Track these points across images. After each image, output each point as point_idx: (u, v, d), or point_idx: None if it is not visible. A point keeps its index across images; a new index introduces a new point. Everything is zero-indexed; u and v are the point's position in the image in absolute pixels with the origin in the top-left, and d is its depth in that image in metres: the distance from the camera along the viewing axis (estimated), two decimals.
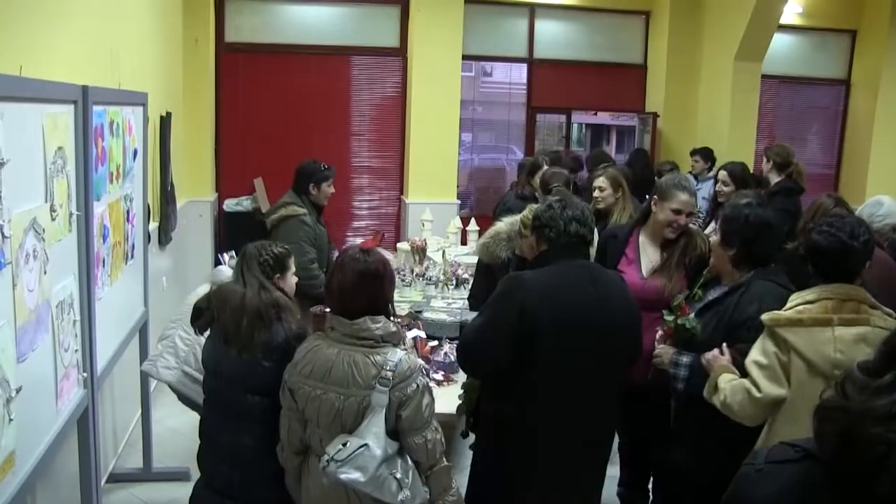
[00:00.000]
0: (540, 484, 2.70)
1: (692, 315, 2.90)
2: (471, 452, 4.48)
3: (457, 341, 3.88)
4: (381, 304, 2.50)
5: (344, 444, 2.32)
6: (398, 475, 2.35)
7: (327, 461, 2.31)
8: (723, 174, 5.22)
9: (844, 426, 1.19)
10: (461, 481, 4.22)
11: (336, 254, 4.35)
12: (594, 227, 2.84)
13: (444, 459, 2.52)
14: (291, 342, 2.62)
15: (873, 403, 1.16)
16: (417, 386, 2.41)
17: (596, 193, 4.45)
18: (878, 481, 1.13)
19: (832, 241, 2.51)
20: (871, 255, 2.60)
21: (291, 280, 2.89)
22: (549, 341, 2.54)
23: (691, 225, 3.55)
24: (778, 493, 1.29)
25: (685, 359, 2.82)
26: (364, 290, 2.45)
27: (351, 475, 2.29)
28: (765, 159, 5.56)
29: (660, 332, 2.99)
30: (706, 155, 7.47)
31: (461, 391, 3.11)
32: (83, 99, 2.73)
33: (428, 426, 2.45)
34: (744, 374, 2.55)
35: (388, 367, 2.36)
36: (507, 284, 2.64)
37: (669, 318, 2.93)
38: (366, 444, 2.30)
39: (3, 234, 2.04)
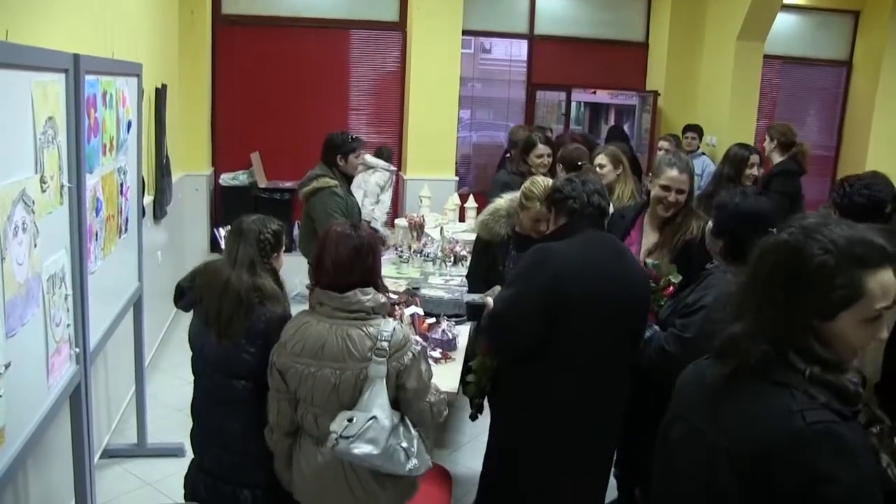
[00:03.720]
0: (561, 456, 2.75)
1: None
2: (468, 429, 4.51)
3: (455, 318, 3.88)
4: (373, 278, 2.49)
5: (350, 420, 2.30)
6: (404, 445, 2.36)
7: (336, 439, 2.28)
8: (756, 158, 4.91)
9: None
10: (460, 458, 4.25)
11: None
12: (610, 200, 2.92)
13: (441, 397, 2.58)
14: (273, 326, 2.58)
15: None
16: (413, 354, 2.42)
17: (596, 171, 4.41)
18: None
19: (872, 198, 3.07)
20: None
21: (283, 258, 2.85)
22: (577, 311, 2.60)
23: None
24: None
25: (647, 333, 2.82)
26: (358, 265, 2.43)
27: (364, 449, 2.27)
28: (768, 138, 5.48)
29: None
30: (701, 131, 7.45)
31: (471, 375, 3.09)
32: (75, 68, 2.65)
33: (429, 390, 2.49)
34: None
35: (382, 338, 2.36)
36: (538, 255, 2.68)
37: (653, 287, 2.97)
38: (374, 417, 2.30)
39: None
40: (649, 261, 3.08)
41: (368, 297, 2.41)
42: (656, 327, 2.82)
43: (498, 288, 3.06)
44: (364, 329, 2.38)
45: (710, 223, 2.88)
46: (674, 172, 3.31)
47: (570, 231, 2.74)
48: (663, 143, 6.88)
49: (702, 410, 1.59)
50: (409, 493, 2.57)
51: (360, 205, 5.29)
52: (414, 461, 2.37)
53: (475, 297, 3.18)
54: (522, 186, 3.46)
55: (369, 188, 6.68)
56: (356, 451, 2.27)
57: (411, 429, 2.41)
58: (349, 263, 2.42)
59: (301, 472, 2.49)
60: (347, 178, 4.83)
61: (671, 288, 2.96)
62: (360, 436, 2.27)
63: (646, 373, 2.77)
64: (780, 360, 1.45)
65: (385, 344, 2.35)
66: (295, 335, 2.43)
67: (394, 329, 2.40)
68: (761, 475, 1.42)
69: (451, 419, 4.67)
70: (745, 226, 2.59)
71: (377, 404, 2.32)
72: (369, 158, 6.53)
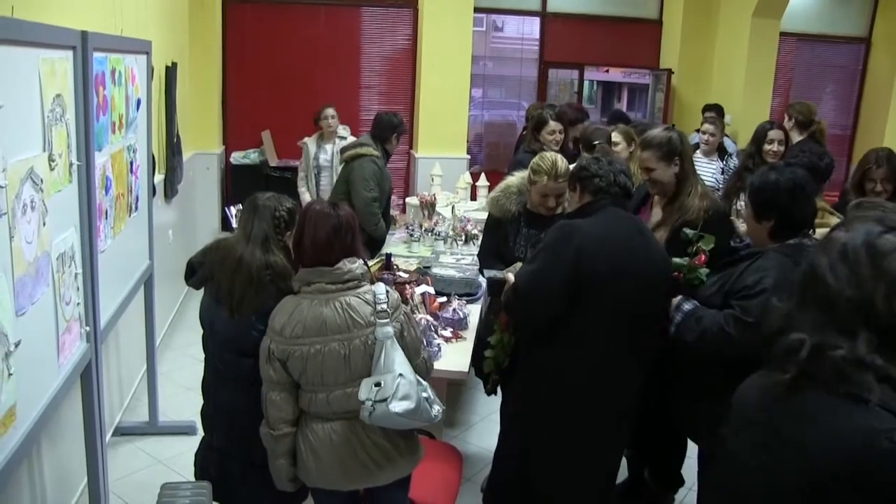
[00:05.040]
0: (574, 438, 2.75)
1: (704, 268, 2.82)
2: (479, 409, 4.52)
3: (466, 297, 3.86)
4: (353, 254, 2.51)
5: (377, 384, 2.33)
6: (425, 395, 2.42)
7: (372, 405, 2.31)
8: (777, 133, 4.75)
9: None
10: (471, 437, 4.25)
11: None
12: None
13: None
14: None
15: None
16: (405, 313, 2.52)
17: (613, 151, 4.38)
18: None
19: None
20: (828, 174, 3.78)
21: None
22: (600, 288, 2.61)
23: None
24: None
25: (686, 306, 2.75)
26: (337, 244, 2.45)
27: (402, 405, 2.32)
28: (786, 117, 5.41)
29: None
30: (721, 111, 7.29)
31: (489, 350, 3.08)
32: (82, 45, 2.63)
33: (422, 346, 2.59)
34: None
35: (381, 301, 2.42)
36: (563, 230, 2.70)
37: (681, 261, 2.85)
38: (400, 374, 2.35)
39: None
40: (688, 230, 2.93)
41: (356, 264, 2.45)
42: (695, 302, 2.75)
43: (519, 264, 3.05)
44: (360, 296, 2.42)
45: (741, 207, 2.83)
46: (644, 154, 3.25)
47: (594, 209, 2.75)
48: (708, 127, 6.32)
49: (765, 424, 1.46)
50: (418, 453, 2.61)
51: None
52: (437, 407, 2.44)
53: (496, 273, 3.16)
54: (532, 162, 3.43)
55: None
56: (396, 409, 2.31)
57: (421, 379, 2.46)
58: (328, 243, 2.44)
59: (315, 456, 2.47)
60: (387, 156, 5.23)
61: (703, 257, 2.86)
62: (395, 394, 2.31)
63: (691, 348, 2.70)
64: (853, 363, 1.30)
65: (384, 305, 2.41)
66: (290, 320, 2.41)
67: (386, 291, 2.47)
68: (838, 500, 1.30)
69: (463, 399, 4.67)
70: (792, 199, 2.62)
71: (397, 362, 2.38)
72: (342, 130, 6.33)
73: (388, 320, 2.40)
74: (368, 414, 2.32)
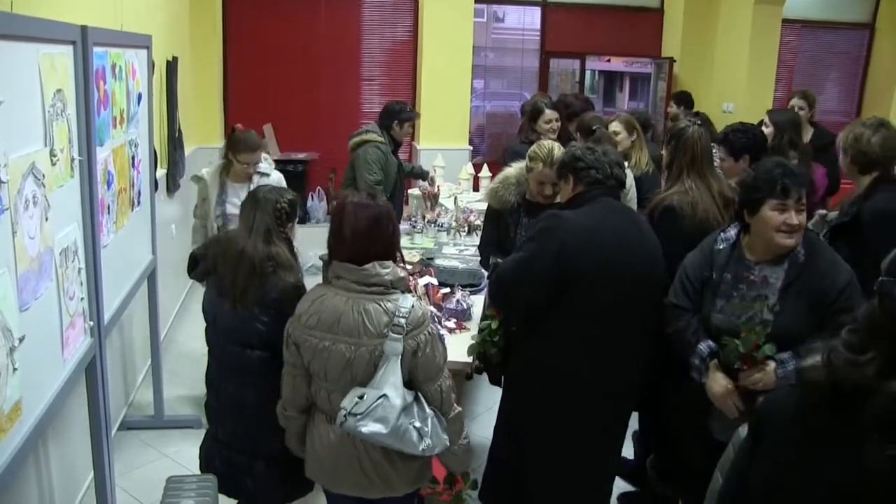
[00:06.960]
0: (567, 430, 2.72)
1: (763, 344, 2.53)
2: (483, 399, 4.52)
3: (470, 288, 3.87)
4: (392, 250, 2.40)
5: (360, 397, 2.23)
6: (417, 424, 2.28)
7: (345, 416, 2.22)
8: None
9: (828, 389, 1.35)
10: (475, 428, 4.26)
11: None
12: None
13: (456, 406, 2.46)
14: (287, 296, 2.56)
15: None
16: (429, 333, 2.33)
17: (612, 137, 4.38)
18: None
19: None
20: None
21: (297, 228, 2.85)
22: (588, 281, 2.57)
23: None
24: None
25: (790, 366, 2.50)
26: (379, 235, 2.35)
27: (372, 428, 2.21)
28: (803, 103, 5.47)
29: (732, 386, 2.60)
30: (682, 99, 7.24)
31: (475, 335, 3.07)
32: (82, 39, 2.63)
33: (441, 374, 2.38)
34: None
35: (400, 314, 2.26)
36: (549, 221, 2.66)
37: (737, 364, 2.56)
38: (384, 395, 2.22)
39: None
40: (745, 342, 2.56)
41: (387, 270, 2.32)
42: (789, 355, 2.50)
43: None
44: (381, 304, 2.28)
45: None
46: None
47: (586, 199, 2.70)
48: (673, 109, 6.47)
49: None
50: (422, 475, 2.51)
51: None
52: (427, 441, 2.29)
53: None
54: (529, 150, 3.44)
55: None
56: (364, 429, 2.21)
57: (426, 407, 2.33)
58: (368, 233, 2.33)
59: (314, 450, 2.46)
60: (396, 144, 5.18)
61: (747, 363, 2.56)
62: (369, 414, 2.21)
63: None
64: None
65: (402, 320, 2.26)
66: (310, 308, 2.35)
67: (412, 306, 2.30)
68: None
69: (466, 390, 4.67)
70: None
71: (389, 382, 2.24)
72: (264, 165, 4.45)
73: (400, 336, 2.25)
74: (339, 423, 2.25)
